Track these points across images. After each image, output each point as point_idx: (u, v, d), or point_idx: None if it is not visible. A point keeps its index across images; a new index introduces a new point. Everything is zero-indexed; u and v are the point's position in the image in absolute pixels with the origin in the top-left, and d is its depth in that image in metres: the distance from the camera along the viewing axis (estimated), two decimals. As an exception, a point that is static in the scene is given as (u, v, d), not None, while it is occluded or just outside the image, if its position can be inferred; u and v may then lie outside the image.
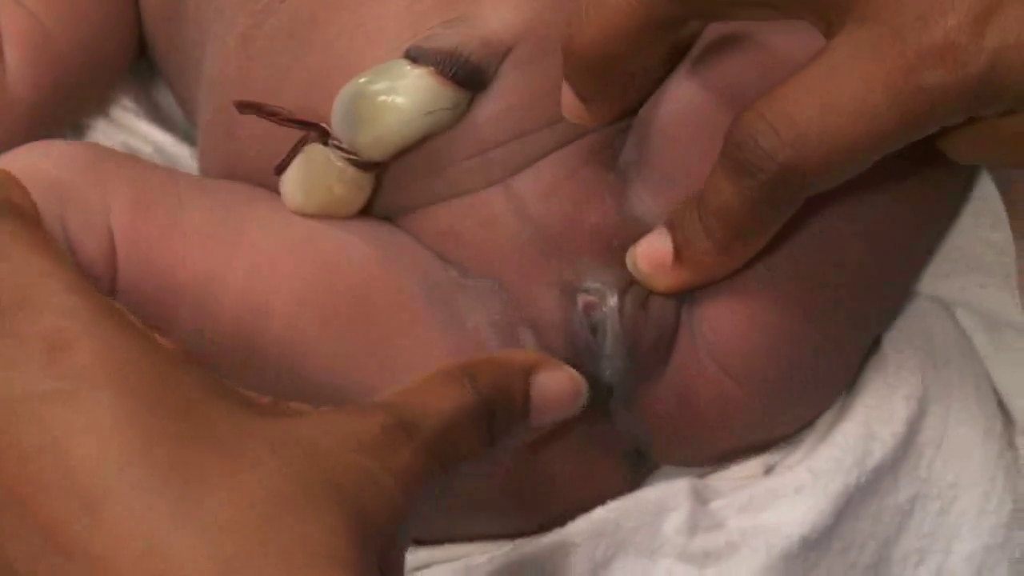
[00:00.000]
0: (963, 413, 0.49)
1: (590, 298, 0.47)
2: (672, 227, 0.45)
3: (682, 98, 0.48)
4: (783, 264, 0.46)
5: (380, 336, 0.47)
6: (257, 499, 0.33)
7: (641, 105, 0.49)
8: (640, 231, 0.47)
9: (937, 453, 0.49)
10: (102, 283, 0.46)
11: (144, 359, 0.35)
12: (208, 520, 0.32)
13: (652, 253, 0.45)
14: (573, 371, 0.43)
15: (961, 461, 0.48)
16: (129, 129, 0.60)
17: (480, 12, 0.48)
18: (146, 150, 0.59)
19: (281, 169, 0.49)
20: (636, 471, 0.50)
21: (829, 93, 0.39)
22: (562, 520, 0.48)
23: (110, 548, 0.32)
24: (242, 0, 0.51)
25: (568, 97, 0.45)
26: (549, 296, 0.47)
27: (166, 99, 0.62)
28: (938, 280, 0.51)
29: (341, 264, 0.48)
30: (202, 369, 0.36)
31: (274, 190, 0.50)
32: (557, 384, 0.42)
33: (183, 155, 0.59)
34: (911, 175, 0.46)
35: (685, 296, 0.47)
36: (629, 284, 0.47)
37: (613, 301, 0.47)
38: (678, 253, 0.45)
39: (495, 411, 0.39)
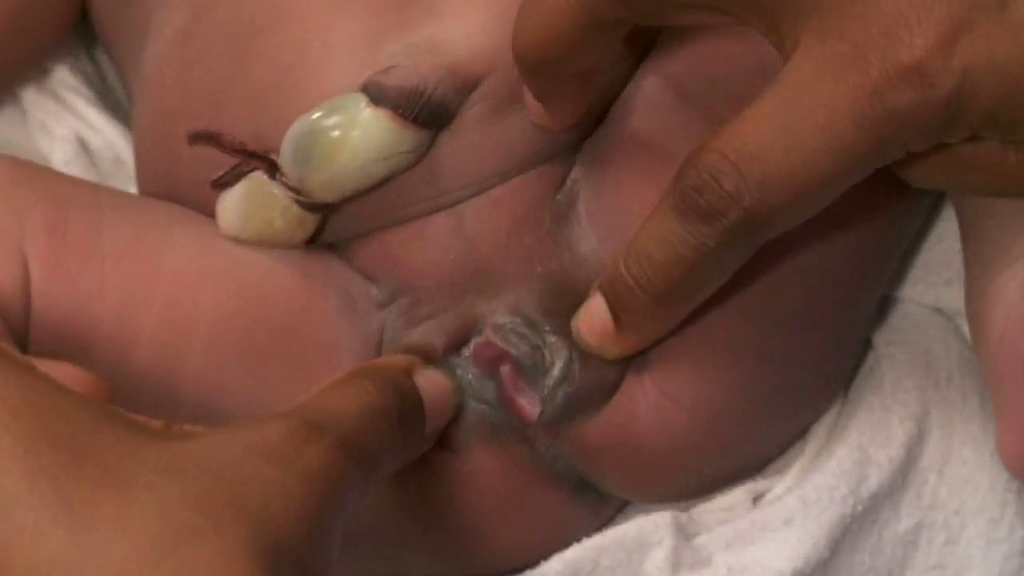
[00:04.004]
0: (967, 434, 0.46)
1: (486, 340, 0.45)
2: (605, 292, 0.42)
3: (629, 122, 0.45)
4: (735, 301, 0.43)
5: (300, 369, 0.45)
6: (149, 529, 0.32)
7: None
8: (574, 258, 0.44)
9: (941, 479, 0.46)
10: (15, 313, 0.44)
11: (24, 394, 0.34)
12: (101, 556, 0.31)
13: (593, 323, 0.42)
14: (439, 373, 0.44)
15: (967, 486, 0.46)
16: (82, 117, 0.57)
17: (447, 36, 0.44)
18: (96, 143, 0.56)
19: (218, 184, 0.46)
20: (583, 500, 0.47)
21: (792, 124, 0.36)
22: (523, 559, 0.46)
23: None
24: None
25: (529, 98, 0.43)
26: (454, 327, 0.45)
27: (121, 88, 0.59)
28: (938, 289, 0.48)
29: (263, 294, 0.46)
30: (86, 397, 0.35)
31: (211, 205, 0.47)
32: (433, 383, 0.44)
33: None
34: (868, 199, 0.42)
35: None
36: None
37: (554, 338, 0.44)
38: (617, 319, 0.42)
39: (398, 404, 0.40)
